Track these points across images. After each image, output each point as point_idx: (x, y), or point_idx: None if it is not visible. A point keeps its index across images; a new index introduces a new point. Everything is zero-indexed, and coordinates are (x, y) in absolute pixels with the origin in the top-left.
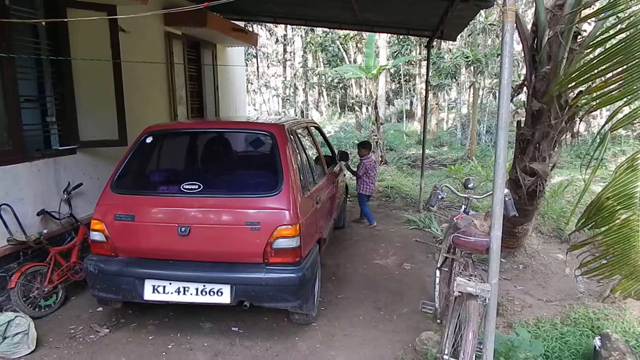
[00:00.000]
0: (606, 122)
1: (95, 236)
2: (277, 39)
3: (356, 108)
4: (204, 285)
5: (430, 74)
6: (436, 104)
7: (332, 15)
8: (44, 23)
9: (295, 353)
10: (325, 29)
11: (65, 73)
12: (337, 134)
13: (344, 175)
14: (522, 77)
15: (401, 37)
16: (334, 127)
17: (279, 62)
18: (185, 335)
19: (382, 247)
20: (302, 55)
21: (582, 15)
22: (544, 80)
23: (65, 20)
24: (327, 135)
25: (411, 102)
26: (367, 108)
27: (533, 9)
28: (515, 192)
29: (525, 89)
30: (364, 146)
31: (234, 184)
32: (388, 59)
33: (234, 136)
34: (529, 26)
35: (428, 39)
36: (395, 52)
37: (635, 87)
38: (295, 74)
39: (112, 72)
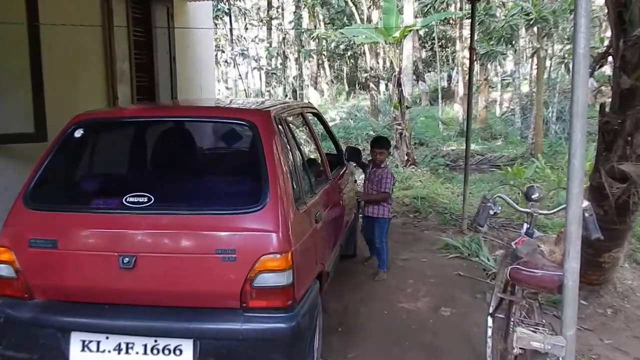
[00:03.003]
0: None
1: (2, 270)
2: None
3: (371, 85)
4: (156, 341)
5: (476, 37)
6: (485, 79)
7: None
8: None
9: None
10: None
11: None
12: (344, 122)
13: (354, 181)
14: (606, 43)
15: None
16: (340, 112)
17: (262, 21)
18: None
19: (410, 283)
20: (295, 12)
21: None
22: (636, 47)
23: None
24: (331, 124)
25: (450, 77)
26: (386, 85)
27: None
28: (598, 205)
29: (610, 59)
30: (383, 146)
31: (198, 195)
32: (416, 17)
33: (198, 128)
34: None
35: None
36: (427, 6)
37: None
38: (284, 38)
39: (26, 40)
